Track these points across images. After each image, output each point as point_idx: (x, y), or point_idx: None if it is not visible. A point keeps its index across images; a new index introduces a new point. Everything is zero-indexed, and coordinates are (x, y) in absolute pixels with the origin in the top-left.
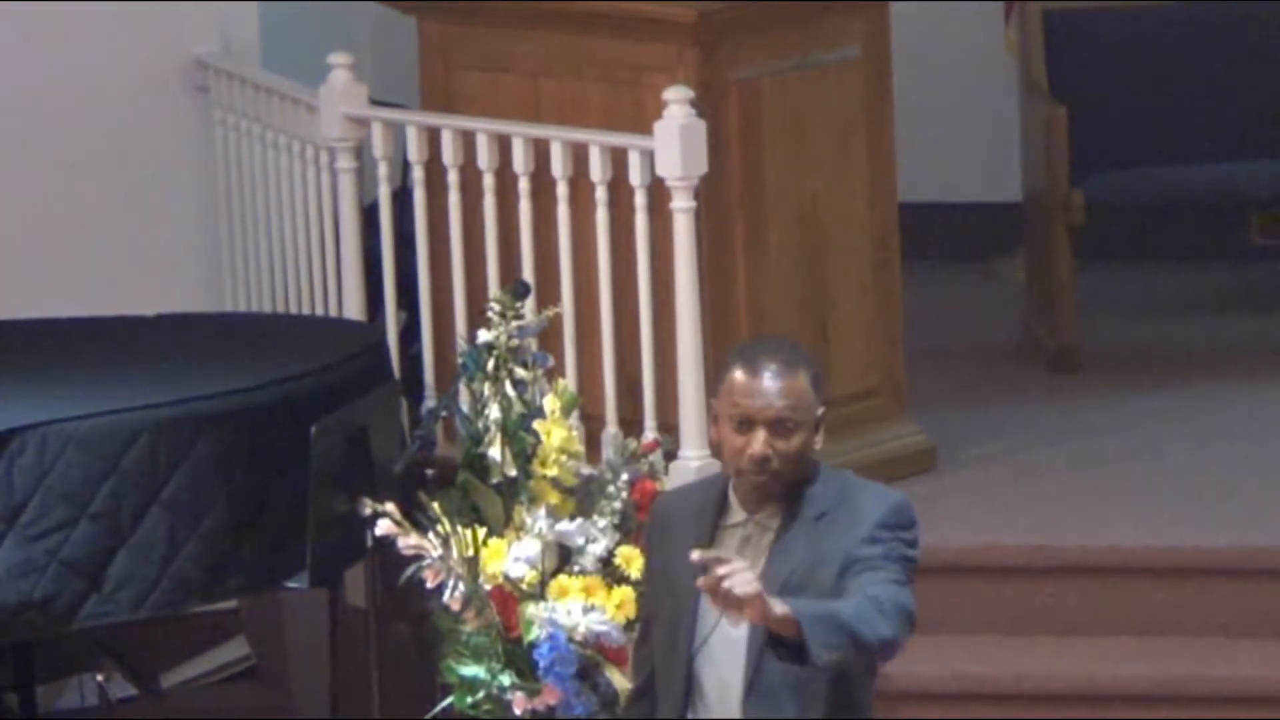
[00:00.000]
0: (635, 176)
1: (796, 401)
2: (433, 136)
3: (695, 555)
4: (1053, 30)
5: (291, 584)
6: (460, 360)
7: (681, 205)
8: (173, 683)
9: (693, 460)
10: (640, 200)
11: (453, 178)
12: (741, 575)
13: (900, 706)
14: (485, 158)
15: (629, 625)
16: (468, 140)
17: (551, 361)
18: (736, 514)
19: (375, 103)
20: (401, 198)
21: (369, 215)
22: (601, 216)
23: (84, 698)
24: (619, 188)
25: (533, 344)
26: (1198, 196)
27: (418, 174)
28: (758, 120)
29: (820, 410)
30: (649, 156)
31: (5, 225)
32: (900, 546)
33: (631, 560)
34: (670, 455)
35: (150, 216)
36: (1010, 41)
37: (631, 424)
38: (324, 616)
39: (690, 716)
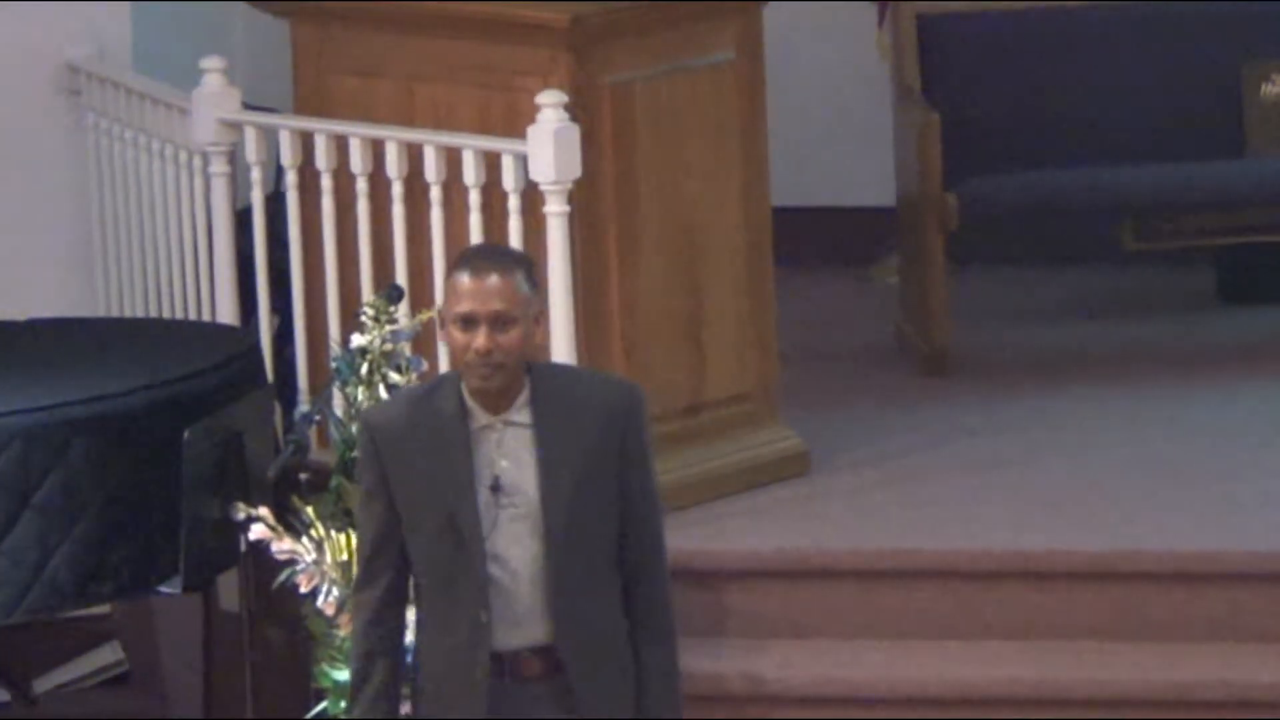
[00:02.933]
0: (509, 181)
1: (513, 298)
2: (306, 140)
3: None
4: (926, 33)
5: (165, 589)
6: (334, 365)
7: (555, 209)
8: (46, 688)
9: None
10: (514, 204)
11: (326, 182)
12: None
13: (773, 710)
14: (358, 162)
15: None
16: (341, 144)
17: (426, 365)
18: (481, 417)
19: (248, 107)
20: (275, 202)
21: (242, 219)
22: (475, 220)
23: None
24: (492, 192)
25: (406, 348)
26: (1071, 201)
27: (291, 178)
28: (631, 124)
29: (538, 307)
30: (522, 160)
31: None
32: (649, 447)
33: None
34: None
35: (21, 221)
36: (883, 45)
37: None
38: (198, 621)
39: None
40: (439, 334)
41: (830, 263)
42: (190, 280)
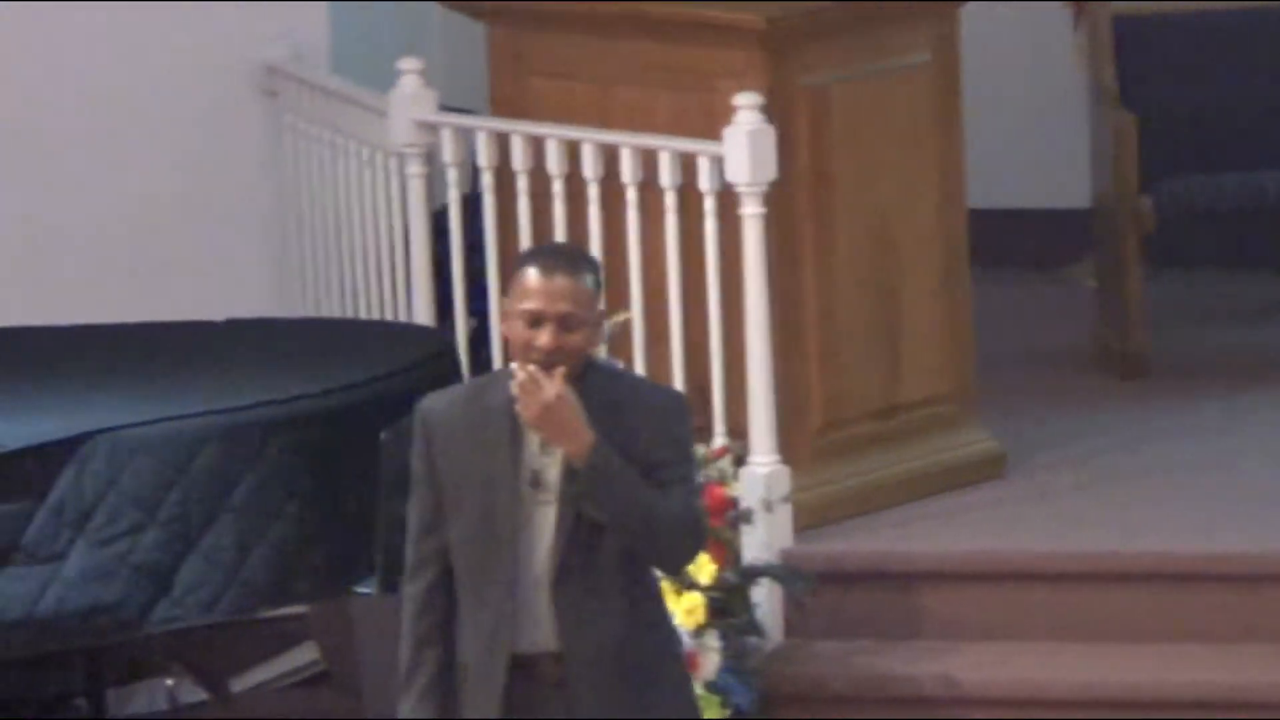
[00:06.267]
0: (704, 182)
1: (581, 300)
2: (502, 142)
3: (520, 375)
4: (1122, 34)
5: (361, 589)
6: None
7: (751, 211)
8: (242, 688)
9: (762, 466)
10: (709, 206)
11: (522, 183)
12: (551, 382)
13: (969, 712)
14: (555, 163)
15: (698, 631)
16: (537, 146)
17: (621, 367)
18: None
19: (445, 108)
20: (471, 203)
21: (438, 221)
22: (671, 222)
23: (154, 702)
24: (688, 194)
25: (602, 350)
26: (1268, 203)
27: (487, 180)
28: (827, 126)
29: (600, 310)
30: (718, 162)
31: (76, 230)
32: (689, 454)
33: (701, 567)
34: (740, 461)
35: (220, 222)
36: (1078, 47)
37: (701, 430)
38: (393, 622)
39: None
40: (500, 326)
41: (1024, 265)
42: (386, 281)
